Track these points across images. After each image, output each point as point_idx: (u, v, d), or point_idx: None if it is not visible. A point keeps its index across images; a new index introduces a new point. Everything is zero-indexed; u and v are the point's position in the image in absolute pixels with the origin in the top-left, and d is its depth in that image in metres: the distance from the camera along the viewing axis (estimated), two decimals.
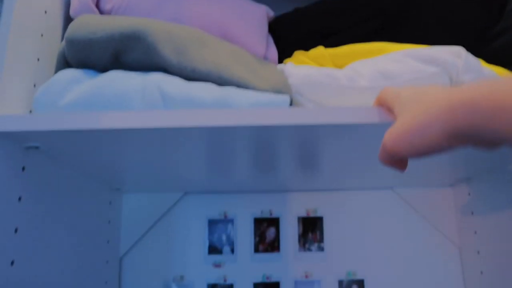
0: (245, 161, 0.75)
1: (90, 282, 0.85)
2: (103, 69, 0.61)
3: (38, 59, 0.61)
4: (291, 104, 0.62)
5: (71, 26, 0.58)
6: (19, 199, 0.59)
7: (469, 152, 0.62)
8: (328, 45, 0.72)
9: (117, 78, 0.57)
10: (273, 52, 0.76)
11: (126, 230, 1.04)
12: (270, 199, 1.08)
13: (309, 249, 1.06)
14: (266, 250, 1.06)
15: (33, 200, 0.63)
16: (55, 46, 0.65)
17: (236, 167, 0.81)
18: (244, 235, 1.06)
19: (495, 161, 0.81)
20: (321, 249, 1.06)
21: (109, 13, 0.68)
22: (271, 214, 1.08)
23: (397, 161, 0.38)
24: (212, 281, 1.04)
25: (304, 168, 0.82)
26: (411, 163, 0.57)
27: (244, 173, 0.86)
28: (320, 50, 0.71)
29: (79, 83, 0.58)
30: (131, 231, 1.04)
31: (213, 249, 1.06)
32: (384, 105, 0.47)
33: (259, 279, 1.04)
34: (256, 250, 1.06)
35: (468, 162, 0.83)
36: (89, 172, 0.81)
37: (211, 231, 1.06)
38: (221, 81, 0.59)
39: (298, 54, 0.74)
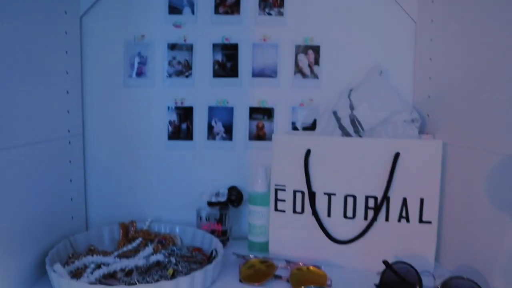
0: None
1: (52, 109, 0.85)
2: None
3: None
4: None
5: None
6: None
7: None
8: None
9: None
10: None
11: None
12: None
13: (269, 13, 1.06)
14: (226, 13, 1.06)
15: None
16: None
17: None
18: None
19: None
20: (280, 14, 1.06)
21: None
22: None
23: None
24: (173, 41, 1.06)
25: None
26: None
27: None
28: None
29: None
30: None
31: (174, 9, 1.05)
32: None
33: (218, 41, 1.06)
34: (216, 12, 1.06)
35: None
36: None
37: None
38: None
39: None
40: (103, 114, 1.06)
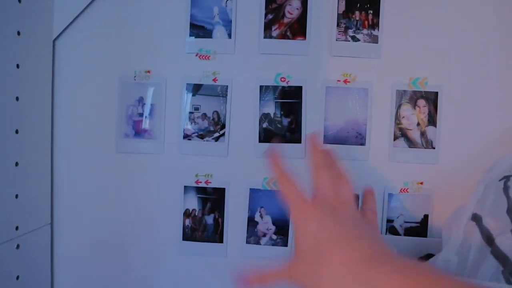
0: None
1: None
2: None
3: None
4: None
5: None
6: None
7: None
8: None
9: None
10: None
11: None
12: None
13: (354, 38, 0.64)
14: (283, 36, 0.65)
15: None
16: None
17: None
18: None
19: None
20: (373, 38, 0.64)
21: None
22: None
23: None
24: (195, 80, 0.65)
25: None
26: None
27: None
28: None
29: None
30: None
31: (198, 29, 0.65)
32: None
33: (270, 82, 0.65)
34: (267, 34, 0.65)
35: None
36: None
37: None
38: None
39: None
40: (81, 196, 0.66)
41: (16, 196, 0.58)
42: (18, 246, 0.59)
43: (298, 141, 0.64)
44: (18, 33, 0.59)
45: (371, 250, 0.30)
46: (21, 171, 0.59)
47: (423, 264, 0.29)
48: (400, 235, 0.63)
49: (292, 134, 0.64)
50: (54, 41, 0.65)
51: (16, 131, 0.58)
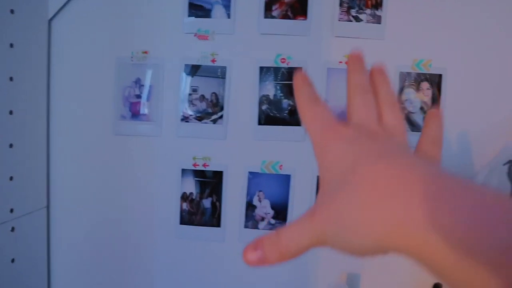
0: None
1: None
2: None
3: None
4: None
5: None
6: None
7: None
8: None
9: None
10: None
11: None
12: None
13: (357, 18, 0.62)
14: (284, 16, 0.63)
15: None
16: None
17: None
18: None
19: None
20: (376, 18, 0.62)
21: None
22: None
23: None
24: (194, 61, 0.64)
25: None
26: None
27: None
28: None
29: None
30: None
31: (197, 8, 0.63)
32: None
33: (269, 63, 0.63)
34: (268, 14, 0.63)
35: None
36: None
37: None
38: None
39: None
40: (78, 179, 0.65)
41: (11, 178, 0.57)
42: (13, 229, 0.58)
43: (298, 124, 0.63)
44: (12, 11, 0.57)
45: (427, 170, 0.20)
46: (16, 153, 0.58)
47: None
48: None
49: (292, 116, 0.63)
50: (49, 21, 0.64)
51: (10, 112, 0.57)
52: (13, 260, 0.59)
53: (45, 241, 0.66)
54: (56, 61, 0.64)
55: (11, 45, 0.57)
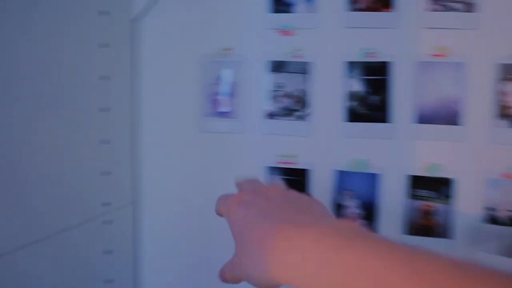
0: None
1: None
2: None
3: None
4: None
5: None
6: None
7: None
8: None
9: None
10: None
11: None
12: None
13: (448, 7, 0.59)
14: (369, 9, 0.61)
15: None
16: None
17: None
18: None
19: None
20: (470, 7, 0.59)
21: None
22: None
23: None
24: (277, 57, 0.63)
25: None
26: None
27: None
28: None
29: None
30: None
31: (280, 4, 0.63)
32: None
33: (355, 57, 0.62)
34: (352, 7, 0.61)
35: None
36: None
37: None
38: None
39: None
40: (166, 175, 0.66)
41: (106, 173, 0.59)
42: (105, 222, 0.60)
43: (386, 120, 0.60)
44: (104, 12, 0.59)
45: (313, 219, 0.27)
46: (109, 149, 0.60)
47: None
48: (503, 224, 0.58)
49: (379, 112, 0.61)
50: (137, 20, 0.65)
51: (103, 109, 0.59)
52: (105, 252, 0.61)
53: (135, 233, 0.68)
54: (144, 59, 0.65)
55: (104, 45, 0.59)
